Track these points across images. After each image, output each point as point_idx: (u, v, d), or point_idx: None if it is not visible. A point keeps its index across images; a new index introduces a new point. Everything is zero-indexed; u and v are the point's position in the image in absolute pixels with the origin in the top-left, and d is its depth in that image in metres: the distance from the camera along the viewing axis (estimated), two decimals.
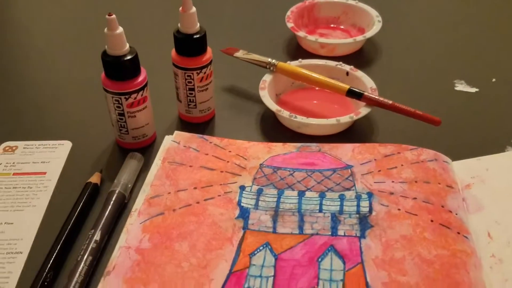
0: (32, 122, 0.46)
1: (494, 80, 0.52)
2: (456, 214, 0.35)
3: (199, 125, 0.45)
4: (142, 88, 0.39)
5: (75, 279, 0.31)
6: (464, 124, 0.45)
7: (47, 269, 0.32)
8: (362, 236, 0.33)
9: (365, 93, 0.44)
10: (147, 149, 0.42)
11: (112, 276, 0.31)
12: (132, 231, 0.34)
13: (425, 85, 0.51)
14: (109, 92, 0.38)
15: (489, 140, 0.43)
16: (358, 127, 0.45)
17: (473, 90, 0.51)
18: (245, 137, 0.42)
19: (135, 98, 0.39)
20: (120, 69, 0.37)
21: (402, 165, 0.38)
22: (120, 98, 0.38)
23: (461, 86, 0.51)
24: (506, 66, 0.53)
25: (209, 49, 0.42)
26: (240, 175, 0.38)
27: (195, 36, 0.40)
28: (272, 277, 0.31)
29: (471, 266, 0.31)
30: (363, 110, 0.43)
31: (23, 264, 0.33)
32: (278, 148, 0.41)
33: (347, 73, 0.48)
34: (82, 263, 0.32)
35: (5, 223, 0.36)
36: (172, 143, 0.41)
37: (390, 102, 0.43)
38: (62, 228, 0.34)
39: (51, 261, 0.32)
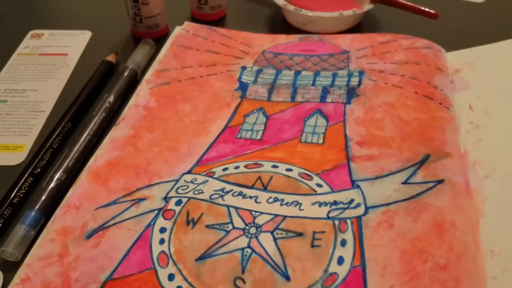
0: (56, 13, 0.50)
1: None
2: (441, 90, 0.37)
3: (210, 23, 0.48)
4: None
5: (89, 129, 0.35)
6: (467, 25, 0.47)
7: (66, 120, 0.36)
8: (348, 102, 0.36)
9: None
10: (159, 41, 0.46)
11: (121, 124, 0.35)
12: (140, 94, 0.37)
13: None
14: None
15: (485, 32, 0.44)
16: (363, 27, 0.47)
17: (480, 1, 0.52)
18: None
19: None
20: None
21: (396, 50, 0.40)
22: None
23: None
24: None
25: None
26: (243, 58, 0.41)
27: None
28: (262, 131, 0.34)
29: (448, 129, 0.34)
30: (367, 6, 0.45)
31: (45, 120, 0.37)
32: (282, 38, 0.44)
33: None
34: (97, 117, 0.36)
35: (30, 89, 0.40)
36: (182, 31, 0.44)
37: None
38: (80, 93, 0.39)
39: (69, 114, 0.36)
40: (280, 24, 0.48)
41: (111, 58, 0.42)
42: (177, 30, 0.45)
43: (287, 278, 0.25)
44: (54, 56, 0.44)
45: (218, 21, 0.49)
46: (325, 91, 0.37)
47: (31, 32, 0.47)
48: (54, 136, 0.34)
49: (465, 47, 0.42)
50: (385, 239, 0.27)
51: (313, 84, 0.38)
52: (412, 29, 0.43)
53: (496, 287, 0.26)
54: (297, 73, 0.39)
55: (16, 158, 0.34)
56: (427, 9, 0.43)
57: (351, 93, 0.37)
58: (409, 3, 0.44)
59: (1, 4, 0.52)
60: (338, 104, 0.36)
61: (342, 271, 0.26)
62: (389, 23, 0.48)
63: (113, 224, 0.28)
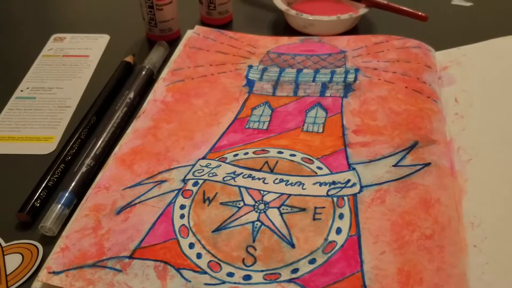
0: (77, 18, 0.54)
1: None
2: (430, 85, 0.41)
3: (218, 27, 0.52)
4: None
5: (113, 121, 0.39)
6: (455, 26, 0.51)
7: (91, 114, 0.40)
8: (345, 96, 0.40)
9: None
10: (172, 43, 0.50)
11: (142, 117, 0.39)
12: (158, 90, 0.41)
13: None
14: None
15: (472, 33, 0.48)
16: (360, 30, 0.51)
17: (468, 4, 0.56)
18: None
19: None
20: None
21: (388, 49, 0.44)
22: None
23: (457, 1, 0.56)
24: None
25: None
26: (249, 58, 0.45)
27: None
28: (268, 122, 0.38)
29: (435, 120, 0.38)
30: (362, 10, 0.49)
31: (71, 115, 0.41)
32: (285, 40, 0.48)
33: None
34: (119, 111, 0.40)
35: (56, 87, 0.44)
36: (193, 34, 0.48)
37: (385, 1, 0.49)
38: (103, 90, 0.43)
39: (95, 109, 0.40)
40: (282, 27, 0.53)
41: (129, 59, 0.46)
42: (188, 33, 0.49)
43: (292, 245, 0.29)
44: (76, 57, 0.48)
45: (225, 25, 0.53)
46: (324, 86, 0.41)
47: (54, 36, 0.51)
48: (81, 128, 0.38)
49: (453, 47, 0.46)
50: (377, 213, 0.31)
51: (313, 81, 0.42)
52: (404, 30, 0.47)
53: (476, 253, 0.29)
54: (299, 71, 0.43)
55: (47, 148, 0.38)
56: (417, 12, 0.47)
57: (348, 88, 0.41)
58: (400, 7, 0.48)
59: (26, 10, 0.57)
60: (336, 98, 0.40)
61: (340, 239, 0.29)
62: (383, 25, 0.52)
63: (139, 202, 0.32)
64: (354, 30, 0.51)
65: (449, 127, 0.38)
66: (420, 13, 0.47)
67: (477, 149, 0.35)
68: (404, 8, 0.48)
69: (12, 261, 0.30)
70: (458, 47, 0.46)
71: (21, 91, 0.44)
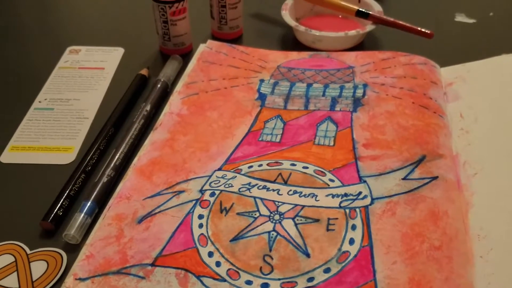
0: (93, 31, 0.56)
1: (491, 14, 0.58)
2: (436, 100, 0.42)
3: (229, 41, 0.54)
4: None
5: (131, 133, 0.40)
6: (459, 43, 0.52)
7: (110, 125, 0.41)
8: (354, 110, 0.41)
9: (371, 13, 0.51)
10: (184, 57, 0.51)
11: (159, 129, 0.40)
12: (173, 103, 0.43)
13: (428, 16, 0.58)
14: (156, 1, 0.47)
15: (476, 50, 0.50)
16: (366, 45, 0.53)
17: (471, 21, 0.58)
18: None
19: (177, 7, 0.48)
20: None
21: (395, 66, 0.46)
22: (165, 7, 0.47)
23: (460, 17, 0.58)
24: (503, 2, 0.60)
25: None
26: (261, 72, 0.47)
27: None
28: (280, 135, 0.40)
29: (441, 134, 0.39)
30: (369, 27, 0.51)
31: (89, 126, 0.43)
32: (294, 55, 0.50)
33: (359, 0, 0.55)
34: (137, 123, 0.41)
35: (73, 99, 0.45)
36: (206, 48, 0.50)
37: (392, 19, 0.51)
38: (119, 102, 0.44)
39: (112, 121, 0.42)
40: (291, 42, 0.54)
41: (144, 72, 0.48)
42: (201, 48, 0.50)
43: (308, 255, 0.31)
44: (92, 69, 0.49)
45: (236, 40, 0.54)
46: (334, 101, 0.43)
47: (69, 48, 0.52)
48: (100, 139, 0.40)
49: (458, 63, 0.48)
50: (388, 224, 0.32)
51: (323, 95, 0.44)
52: (409, 47, 0.49)
53: (482, 264, 0.31)
54: (309, 85, 0.45)
55: (67, 158, 0.40)
56: (423, 29, 0.49)
57: (357, 103, 0.42)
58: (407, 24, 0.50)
59: (41, 22, 0.58)
60: (345, 112, 0.41)
61: (353, 249, 0.31)
62: (389, 41, 0.53)
63: (159, 212, 0.33)
64: (360, 45, 0.53)
65: (455, 142, 0.39)
66: (426, 31, 0.49)
67: (483, 163, 0.37)
68: (411, 25, 0.49)
69: (38, 268, 0.31)
70: (463, 63, 0.47)
71: (39, 102, 0.45)
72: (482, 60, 0.47)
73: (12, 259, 0.32)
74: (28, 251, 0.32)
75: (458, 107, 0.42)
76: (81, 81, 0.48)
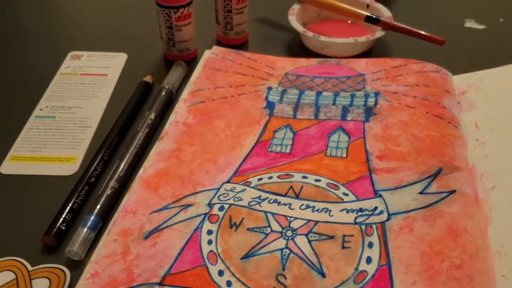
0: (95, 36, 0.54)
1: (501, 20, 0.57)
2: (450, 110, 0.41)
3: (234, 47, 0.52)
4: (188, 4, 0.46)
5: (135, 142, 0.39)
6: (469, 49, 0.51)
7: (114, 135, 0.40)
8: (366, 120, 0.40)
9: (381, 18, 0.50)
10: (189, 63, 0.50)
11: (165, 139, 0.39)
12: (179, 111, 0.41)
13: (436, 22, 0.57)
14: (160, 6, 0.46)
15: (487, 57, 0.49)
16: (375, 52, 0.51)
17: (481, 27, 0.56)
18: None
19: (182, 12, 0.46)
20: None
21: (407, 73, 0.45)
22: (170, 12, 0.46)
23: (470, 24, 0.57)
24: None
25: None
26: (268, 80, 0.46)
27: None
28: (290, 145, 0.38)
29: (457, 146, 0.38)
30: (379, 33, 0.50)
31: (92, 135, 0.41)
32: (302, 61, 0.48)
33: (368, 6, 0.54)
34: (141, 132, 0.40)
35: (76, 107, 0.44)
36: (211, 54, 0.49)
37: (402, 25, 0.49)
38: (123, 111, 0.42)
39: (116, 130, 0.40)
40: (297, 47, 0.53)
41: (148, 78, 0.46)
42: (206, 54, 0.49)
43: (323, 275, 0.29)
44: (95, 76, 0.48)
45: (241, 45, 0.53)
46: (345, 110, 0.41)
47: (71, 53, 0.51)
48: (104, 149, 0.38)
49: (469, 70, 0.46)
50: (406, 242, 0.31)
51: (333, 104, 0.42)
52: (417, 53, 0.48)
53: (504, 284, 0.29)
54: (319, 93, 0.44)
55: (70, 169, 0.38)
56: (434, 36, 0.48)
57: (369, 112, 0.41)
58: (418, 31, 0.49)
59: (41, 26, 0.57)
60: (357, 122, 0.40)
61: (371, 269, 0.29)
62: (399, 48, 0.52)
63: (166, 227, 0.32)
64: (369, 51, 0.51)
65: (471, 153, 0.38)
66: (437, 37, 0.47)
67: (501, 176, 0.36)
68: (422, 32, 0.48)
69: (40, 286, 0.30)
70: (475, 71, 0.46)
71: (40, 110, 0.44)
72: (495, 69, 0.46)
73: (13, 276, 0.30)
74: (30, 268, 0.31)
75: (472, 116, 0.41)
76: (83, 88, 0.46)
